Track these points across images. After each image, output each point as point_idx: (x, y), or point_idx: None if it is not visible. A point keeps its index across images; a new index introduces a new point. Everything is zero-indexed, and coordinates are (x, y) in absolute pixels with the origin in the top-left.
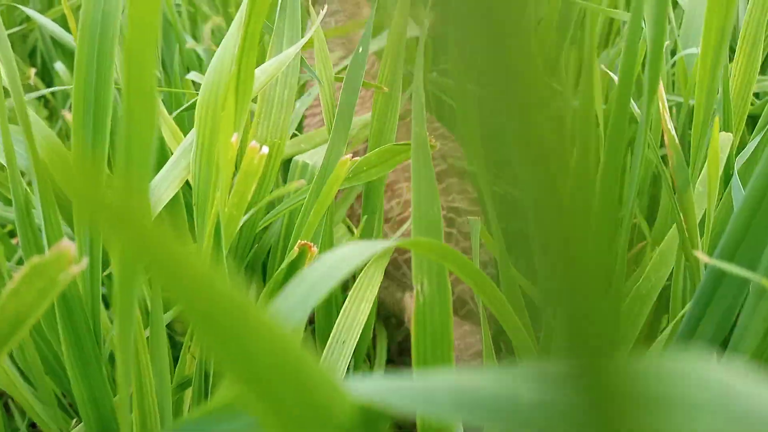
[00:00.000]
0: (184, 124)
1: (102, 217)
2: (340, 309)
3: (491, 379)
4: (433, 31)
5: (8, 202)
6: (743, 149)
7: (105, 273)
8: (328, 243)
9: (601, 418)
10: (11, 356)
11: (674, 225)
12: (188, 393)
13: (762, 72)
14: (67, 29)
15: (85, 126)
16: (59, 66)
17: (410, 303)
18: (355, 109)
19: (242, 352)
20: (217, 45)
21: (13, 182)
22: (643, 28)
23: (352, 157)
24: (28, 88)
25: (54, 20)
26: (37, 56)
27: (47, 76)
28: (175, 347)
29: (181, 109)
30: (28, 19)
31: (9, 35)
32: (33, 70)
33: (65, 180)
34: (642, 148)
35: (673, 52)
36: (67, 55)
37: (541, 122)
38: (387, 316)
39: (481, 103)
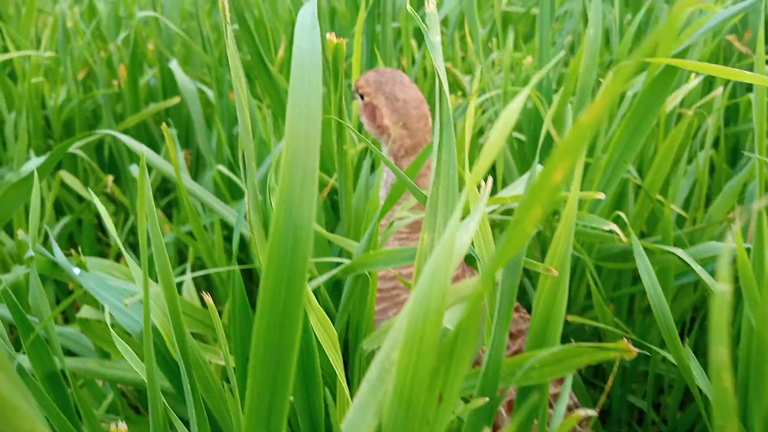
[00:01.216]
0: None
1: None
2: None
3: None
4: None
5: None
6: None
7: None
8: None
9: None
10: None
11: None
12: None
13: None
14: (137, 135)
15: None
16: (135, 170)
17: None
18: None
19: None
20: None
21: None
22: None
23: None
24: (104, 201)
25: (125, 130)
26: (104, 150)
27: (112, 165)
28: None
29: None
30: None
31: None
32: (110, 178)
33: None
34: None
35: None
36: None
37: None
38: None
39: None
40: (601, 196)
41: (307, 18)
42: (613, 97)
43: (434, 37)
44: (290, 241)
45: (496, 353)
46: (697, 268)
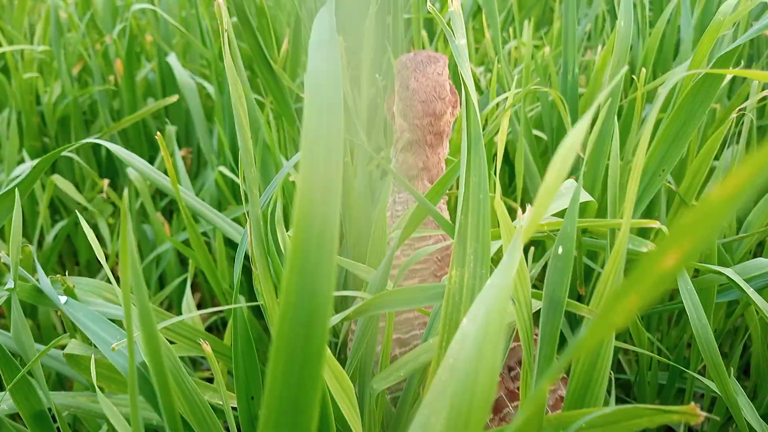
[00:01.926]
0: None
1: None
2: None
3: None
4: None
5: None
6: None
7: None
8: None
9: None
10: None
11: None
12: None
13: None
14: (130, 144)
15: None
16: (132, 172)
17: None
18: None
19: None
20: None
21: None
22: None
23: None
24: (101, 201)
25: (123, 130)
26: (101, 149)
27: (110, 164)
28: None
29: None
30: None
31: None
32: (106, 182)
33: None
34: None
35: None
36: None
37: None
38: None
39: None
40: (657, 224)
41: (323, 31)
42: (758, 170)
43: (460, 40)
44: (304, 319)
45: (536, 409)
46: (750, 291)
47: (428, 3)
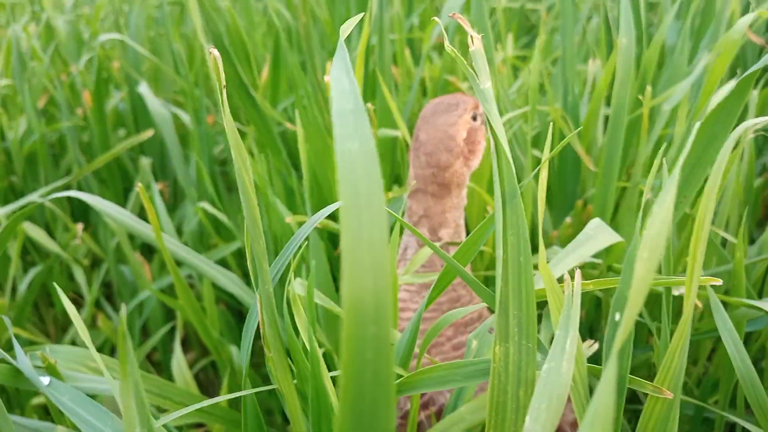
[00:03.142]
0: None
1: None
2: None
3: None
4: None
5: None
6: None
7: None
8: None
9: None
10: None
11: None
12: None
13: None
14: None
15: None
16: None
17: None
18: None
19: None
20: None
21: None
22: None
23: None
24: (75, 249)
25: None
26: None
27: (84, 205)
28: None
29: None
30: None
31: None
32: (80, 227)
33: None
34: None
35: None
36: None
37: None
38: None
39: None
40: (719, 282)
41: (346, 99)
42: None
43: (485, 83)
44: None
45: None
46: None
47: (446, 43)
